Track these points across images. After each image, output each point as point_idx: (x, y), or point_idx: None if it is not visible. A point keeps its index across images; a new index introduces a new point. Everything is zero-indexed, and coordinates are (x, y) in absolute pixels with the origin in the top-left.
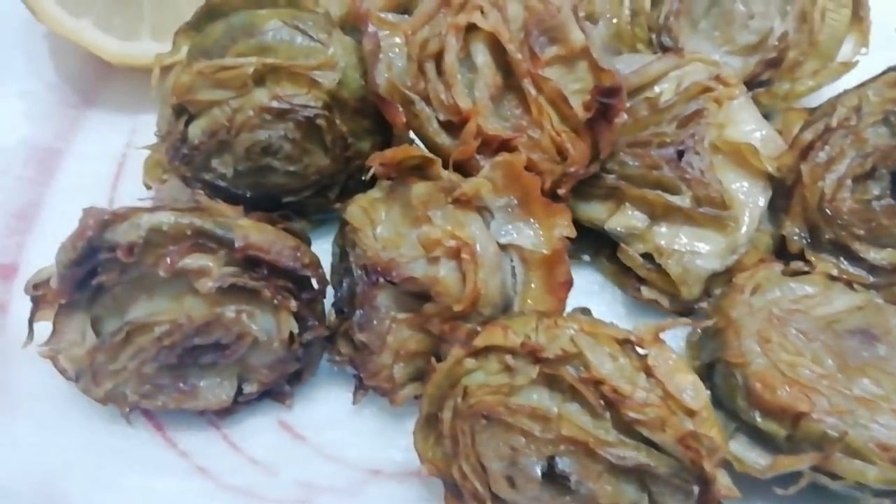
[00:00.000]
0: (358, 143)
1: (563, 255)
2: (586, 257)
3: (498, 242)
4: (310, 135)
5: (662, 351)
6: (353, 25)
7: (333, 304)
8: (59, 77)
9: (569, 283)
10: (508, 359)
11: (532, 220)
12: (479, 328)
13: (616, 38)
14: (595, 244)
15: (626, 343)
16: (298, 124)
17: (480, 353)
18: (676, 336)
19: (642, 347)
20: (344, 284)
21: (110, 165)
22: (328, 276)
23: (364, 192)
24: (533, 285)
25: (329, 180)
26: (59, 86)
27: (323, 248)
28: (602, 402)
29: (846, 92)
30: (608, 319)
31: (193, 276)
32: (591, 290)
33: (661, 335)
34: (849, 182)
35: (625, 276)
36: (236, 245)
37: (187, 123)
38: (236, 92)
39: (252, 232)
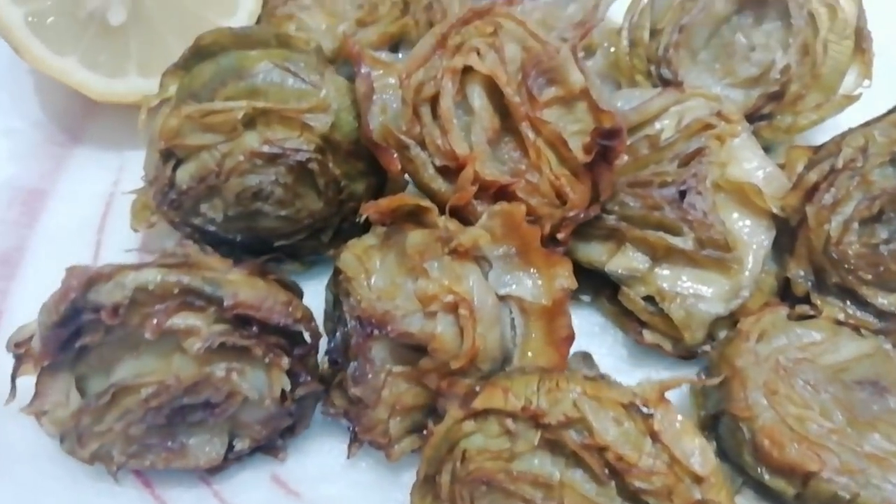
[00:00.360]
0: (352, 185)
1: (565, 307)
2: (586, 298)
3: (497, 293)
4: (302, 179)
5: (668, 412)
6: (345, 59)
7: (327, 353)
8: (44, 114)
9: (570, 338)
10: (509, 422)
11: (532, 269)
12: (477, 388)
13: (614, 68)
14: (595, 284)
15: (630, 406)
16: (290, 168)
17: (480, 414)
18: None
19: (647, 408)
20: (338, 333)
21: (97, 206)
22: (321, 323)
23: (359, 234)
24: (533, 337)
25: (322, 223)
26: (44, 123)
27: (316, 290)
28: (606, 469)
29: (851, 131)
30: (609, 362)
31: (182, 335)
32: (591, 331)
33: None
34: (855, 225)
35: (626, 317)
36: (226, 304)
37: (175, 168)
38: (225, 136)
39: (242, 288)
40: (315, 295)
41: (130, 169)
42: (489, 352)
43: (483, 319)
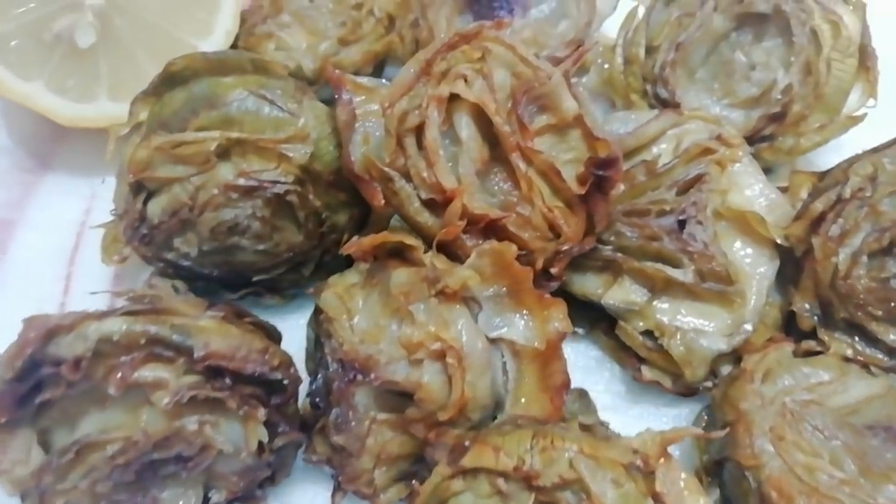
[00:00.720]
0: (334, 216)
1: (559, 351)
2: (581, 331)
3: (487, 336)
4: (280, 212)
5: (670, 469)
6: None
7: (308, 395)
8: (11, 140)
9: (566, 386)
10: (500, 482)
11: (524, 311)
12: (467, 443)
13: (608, 86)
14: (591, 317)
15: (630, 466)
16: (267, 201)
17: (469, 472)
18: (679, 416)
19: (648, 465)
20: (319, 376)
21: (68, 236)
22: (303, 361)
23: (342, 267)
24: (526, 382)
25: (303, 257)
26: (11, 149)
27: (298, 324)
28: None
29: (859, 158)
30: (607, 399)
31: (149, 389)
32: (587, 365)
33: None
34: (864, 258)
35: (624, 351)
36: (196, 355)
37: (146, 201)
38: (198, 168)
39: (214, 337)
40: (297, 329)
41: (103, 196)
42: (479, 400)
43: (472, 367)
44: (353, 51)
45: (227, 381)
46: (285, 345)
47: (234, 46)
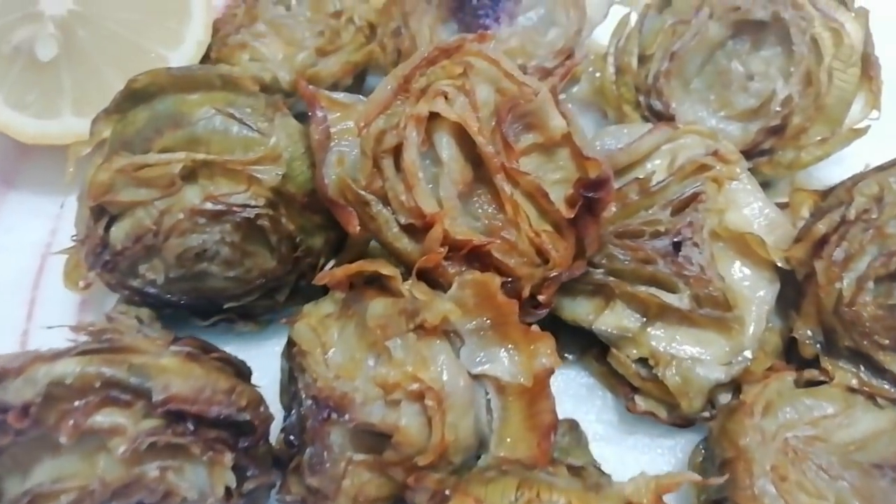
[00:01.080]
0: (309, 240)
1: (547, 389)
2: (571, 357)
3: (470, 372)
4: (251, 236)
5: None
6: None
7: (282, 431)
8: None
9: (553, 427)
10: None
11: (509, 345)
12: (448, 492)
13: (598, 95)
14: (581, 342)
15: None
16: (237, 226)
17: None
18: (675, 448)
19: None
20: (293, 411)
21: (32, 259)
22: (279, 393)
23: (318, 292)
24: (512, 420)
25: (276, 282)
26: None
27: (273, 352)
28: None
29: (864, 177)
30: (598, 429)
31: (105, 436)
32: (577, 393)
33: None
34: (870, 284)
35: (616, 378)
36: (155, 399)
37: (108, 226)
38: (163, 191)
39: (175, 378)
40: (273, 356)
41: (70, 217)
42: (462, 441)
43: (454, 407)
44: (331, 61)
45: (190, 425)
46: (259, 374)
47: (206, 57)
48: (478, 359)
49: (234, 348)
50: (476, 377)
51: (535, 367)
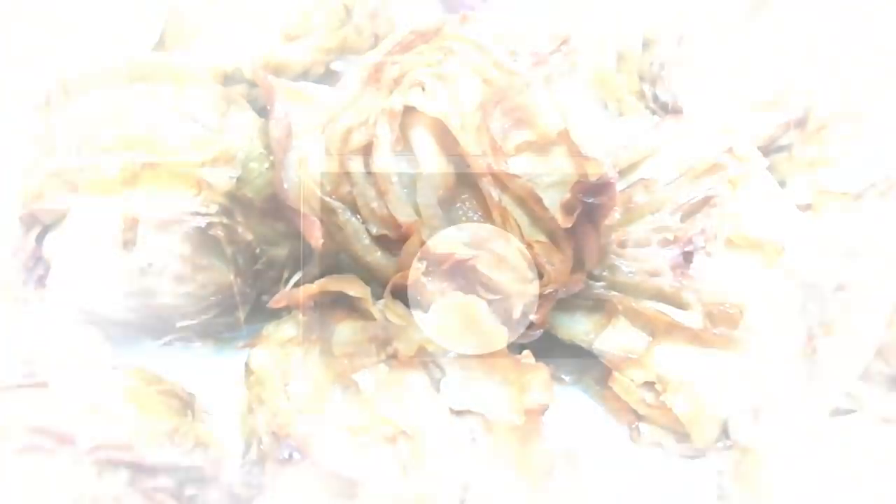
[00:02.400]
0: (271, 250)
1: (540, 428)
2: (568, 378)
3: (451, 409)
4: (204, 248)
5: None
6: None
7: (243, 466)
8: None
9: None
10: None
11: (497, 378)
12: None
13: (598, 85)
14: (579, 362)
15: None
16: (187, 237)
17: None
18: (687, 484)
19: None
20: (252, 448)
21: None
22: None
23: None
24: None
25: (236, 298)
26: None
27: (237, 373)
28: None
29: None
30: (600, 461)
31: None
32: (575, 420)
33: None
34: None
35: (618, 402)
36: (82, 448)
37: (40, 237)
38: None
39: (105, 421)
40: (234, 380)
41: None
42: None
43: (433, 451)
44: (299, 48)
45: (124, 475)
46: (219, 400)
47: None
48: (461, 394)
49: (193, 371)
50: (459, 414)
51: (528, 403)
